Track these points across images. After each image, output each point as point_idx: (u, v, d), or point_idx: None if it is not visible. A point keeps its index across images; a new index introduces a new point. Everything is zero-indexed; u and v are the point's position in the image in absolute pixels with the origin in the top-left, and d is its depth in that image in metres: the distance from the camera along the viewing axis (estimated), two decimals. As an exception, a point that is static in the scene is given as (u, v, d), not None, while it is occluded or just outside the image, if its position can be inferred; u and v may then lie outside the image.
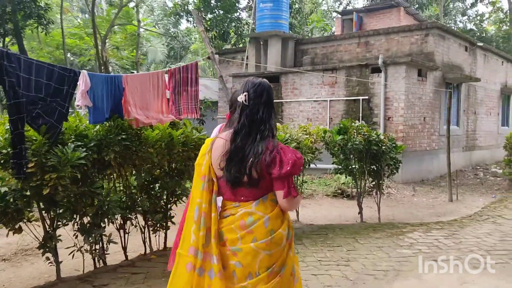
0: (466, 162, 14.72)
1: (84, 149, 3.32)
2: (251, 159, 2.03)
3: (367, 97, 12.02)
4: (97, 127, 3.65)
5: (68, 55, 27.95)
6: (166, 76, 4.67)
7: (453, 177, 10.38)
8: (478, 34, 30.33)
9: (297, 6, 24.77)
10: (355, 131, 6.96)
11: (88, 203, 3.46)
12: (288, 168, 2.01)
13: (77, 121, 3.64)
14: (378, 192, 7.34)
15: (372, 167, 7.27)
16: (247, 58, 15.72)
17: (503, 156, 11.11)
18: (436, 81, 12.77)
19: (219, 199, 2.21)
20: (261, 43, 15.62)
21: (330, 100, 12.73)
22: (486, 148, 16.23)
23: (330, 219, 7.32)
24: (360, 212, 7.07)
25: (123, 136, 3.59)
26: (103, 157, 3.50)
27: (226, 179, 2.09)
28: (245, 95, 2.11)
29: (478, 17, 32.99)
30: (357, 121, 7.29)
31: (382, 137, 7.11)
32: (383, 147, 7.00)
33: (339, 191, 9.36)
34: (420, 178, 12.18)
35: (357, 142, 6.73)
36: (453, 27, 28.07)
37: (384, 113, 11.65)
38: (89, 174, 3.54)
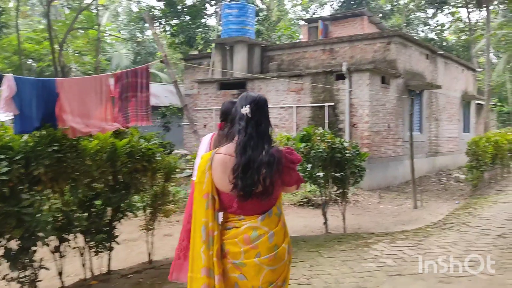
0: (430, 167, 14.88)
1: (7, 163, 2.90)
2: (264, 169, 2.07)
3: (332, 104, 11.92)
4: (25, 137, 3.23)
5: (30, 61, 26.82)
6: (112, 81, 4.28)
7: (418, 183, 10.39)
8: (439, 43, 31.20)
9: (264, 13, 24.69)
10: (318, 138, 6.75)
11: (14, 225, 3.03)
12: (296, 158, 2.20)
13: (1, 131, 3.20)
14: (343, 201, 7.14)
15: (336, 175, 7.08)
16: (213, 64, 15.41)
17: (465, 162, 11.23)
18: (399, 88, 12.84)
19: (220, 214, 2.23)
20: (227, 49, 15.36)
21: (297, 107, 12.57)
22: (448, 154, 16.50)
23: (295, 230, 7.04)
24: (325, 223, 6.85)
25: (55, 148, 3.18)
26: (31, 172, 3.08)
27: (240, 191, 2.08)
28: (249, 108, 2.16)
29: (439, 27, 33.95)
30: (320, 128, 7.08)
31: (346, 144, 6.93)
32: (347, 155, 6.82)
33: (305, 199, 9.13)
34: (386, 184, 12.16)
35: (321, 150, 6.51)
36: (415, 37, 28.75)
37: (350, 119, 11.58)
38: (16, 191, 3.11)
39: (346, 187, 7.10)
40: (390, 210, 9.25)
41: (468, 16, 29.46)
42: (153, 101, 17.00)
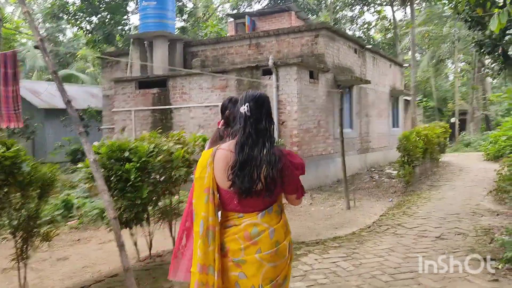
0: (362, 164, 14.63)
1: None
2: (265, 167, 2.07)
3: (260, 101, 11.11)
4: None
5: None
6: None
7: (350, 181, 9.89)
8: (366, 41, 31.86)
9: (189, 9, 23.56)
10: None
11: None
12: (300, 171, 2.20)
13: None
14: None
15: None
16: (131, 61, 14.07)
17: (396, 158, 10.95)
18: (328, 83, 12.37)
19: (219, 214, 2.20)
20: (146, 45, 14.09)
21: (222, 106, 11.61)
22: (379, 150, 16.42)
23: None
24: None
25: None
26: None
27: (238, 189, 2.08)
28: (248, 106, 2.17)
29: (366, 25, 34.76)
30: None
31: (270, 143, 6.09)
32: (272, 156, 5.99)
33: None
34: (318, 184, 11.59)
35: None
36: (343, 34, 29.03)
37: (278, 117, 10.85)
38: None
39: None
40: (322, 212, 8.60)
41: (393, 14, 30.37)
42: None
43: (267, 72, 10.98)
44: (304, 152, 10.99)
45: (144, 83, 12.80)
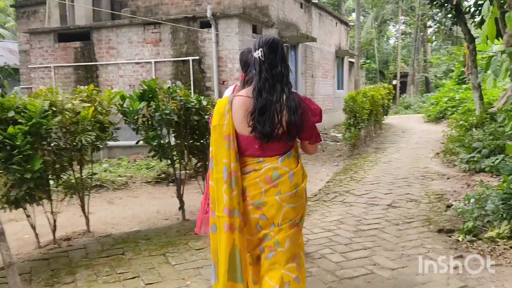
0: (307, 127, 14.11)
1: None
2: (286, 112, 2.09)
3: (197, 58, 10.08)
4: None
5: None
6: None
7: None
8: (312, 0, 30.98)
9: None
10: (166, 95, 4.91)
11: None
12: (317, 117, 2.22)
13: None
14: (206, 177, 5.47)
15: (196, 144, 5.39)
16: (48, 10, 12.30)
17: (341, 120, 10.47)
18: (274, 39, 11.47)
19: None
20: (68, -8, 12.33)
21: (155, 62, 10.45)
22: (324, 112, 15.83)
23: (141, 221, 5.23)
24: (182, 207, 5.15)
25: None
26: None
27: (259, 133, 2.10)
28: (261, 51, 2.14)
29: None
30: (168, 81, 5.22)
31: (204, 103, 5.20)
32: (207, 117, 5.13)
33: (164, 175, 7.30)
34: (262, 148, 10.91)
35: (169, 111, 4.70)
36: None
37: (218, 76, 9.89)
38: None
39: (208, 158, 5.43)
40: (266, 178, 7.96)
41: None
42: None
43: (206, 24, 9.89)
44: (247, 114, 10.19)
45: (64, 36, 11.21)
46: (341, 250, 3.80)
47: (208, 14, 9.48)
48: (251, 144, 2.17)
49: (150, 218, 5.35)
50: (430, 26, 19.52)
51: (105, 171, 7.71)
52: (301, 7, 13.53)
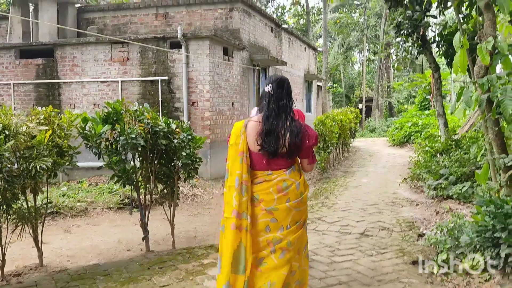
0: (276, 150, 14.06)
1: None
2: (289, 136, 2.63)
3: (167, 78, 9.86)
4: None
5: None
6: None
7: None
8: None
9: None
10: (132, 118, 4.66)
11: None
12: (314, 141, 2.75)
13: None
14: (172, 203, 5.22)
15: (163, 168, 5.14)
16: (11, 26, 11.83)
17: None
18: (244, 62, 11.45)
19: None
20: (32, 7, 11.94)
21: (122, 81, 10.15)
22: (293, 135, 16.01)
23: (100, 252, 4.89)
24: (146, 237, 4.85)
25: None
26: None
27: (266, 151, 2.64)
28: (271, 86, 2.71)
29: (280, 10, 34.44)
30: (135, 103, 4.98)
31: (173, 126, 4.98)
32: (176, 141, 4.90)
33: (127, 200, 6.96)
34: (231, 171, 10.70)
35: (134, 135, 4.44)
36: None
37: (188, 97, 9.70)
38: None
39: (176, 184, 5.19)
40: (235, 204, 7.75)
41: (306, 1, 30.31)
42: None
43: (176, 45, 9.74)
44: (217, 137, 10.01)
45: (26, 52, 10.75)
46: (316, 286, 3.63)
47: (179, 35, 9.33)
48: (260, 159, 2.70)
49: (110, 249, 5.01)
50: (397, 55, 20.10)
51: (63, 195, 7.28)
52: (272, 32, 13.63)
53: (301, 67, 17.07)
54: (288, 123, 2.64)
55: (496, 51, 3.90)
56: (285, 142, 2.62)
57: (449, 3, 8.33)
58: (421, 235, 4.97)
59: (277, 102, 2.68)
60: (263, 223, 2.63)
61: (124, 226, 6.02)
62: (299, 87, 16.62)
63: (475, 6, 7.64)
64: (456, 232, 4.10)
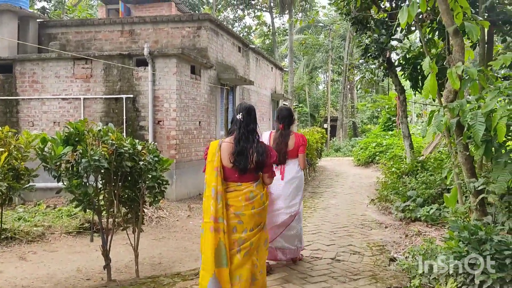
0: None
1: None
2: (255, 155, 3.29)
3: (132, 96, 9.59)
4: None
5: None
6: None
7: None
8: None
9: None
10: (96, 138, 4.41)
11: None
12: (274, 159, 3.44)
13: None
14: (136, 228, 4.94)
15: (127, 192, 4.88)
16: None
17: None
18: (211, 81, 11.34)
19: None
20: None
21: (85, 98, 9.80)
22: (260, 154, 15.93)
23: (58, 281, 4.54)
24: (108, 265, 4.54)
25: None
26: None
27: (237, 168, 3.29)
28: (241, 114, 3.40)
29: (246, 29, 34.77)
30: (99, 123, 4.73)
31: (139, 147, 4.75)
32: (142, 163, 4.67)
33: (88, 224, 6.58)
34: (198, 191, 10.47)
35: (97, 157, 4.19)
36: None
37: (153, 115, 9.45)
38: None
39: (141, 208, 4.93)
40: (203, 227, 7.50)
41: (272, 21, 30.78)
42: None
43: (142, 62, 9.53)
44: (183, 157, 9.77)
45: (-19, 67, 10.21)
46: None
47: (145, 52, 9.13)
48: (232, 173, 3.32)
49: (68, 278, 4.67)
50: (363, 76, 20.59)
51: (19, 219, 6.81)
52: (239, 51, 13.63)
53: (268, 87, 17.15)
54: (254, 145, 3.31)
55: (466, 76, 3.96)
56: (253, 160, 3.28)
57: (413, 28, 8.60)
58: (392, 260, 4.92)
59: (246, 127, 3.34)
60: (232, 224, 3.26)
61: (84, 252, 5.66)
62: (266, 106, 16.65)
63: (436, 32, 7.93)
64: (428, 257, 4.07)
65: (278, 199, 4.42)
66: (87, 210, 4.82)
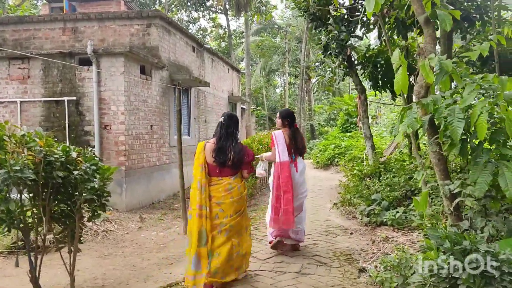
0: (200, 175, 13.26)
1: None
2: (233, 153, 4.07)
3: (75, 98, 8.78)
4: None
5: None
6: None
7: (188, 196, 8.34)
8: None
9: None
10: (19, 144, 3.73)
11: None
12: (251, 158, 4.21)
13: None
14: (73, 249, 4.26)
15: (60, 206, 4.20)
16: None
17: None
18: (164, 82, 10.67)
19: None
20: None
21: (22, 102, 8.87)
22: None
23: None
24: (37, 294, 3.85)
25: None
26: None
27: (217, 163, 4.07)
28: (223, 118, 4.22)
29: (201, 32, 34.06)
30: (24, 127, 4.02)
31: (74, 154, 4.09)
32: (77, 173, 4.02)
33: (21, 242, 5.76)
34: (151, 200, 9.75)
35: (19, 168, 3.51)
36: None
37: (99, 119, 8.67)
38: None
39: (78, 225, 4.26)
40: (154, 239, 6.85)
41: (227, 23, 30.28)
42: None
43: (86, 62, 8.74)
44: (134, 164, 9.05)
45: None
46: None
47: (89, 50, 8.37)
48: (214, 169, 4.12)
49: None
50: (323, 76, 20.47)
51: None
52: (194, 51, 13.03)
53: (225, 89, 16.62)
54: (233, 144, 4.10)
55: (437, 68, 3.62)
56: (231, 157, 4.06)
57: (371, 26, 8.37)
58: (362, 270, 4.53)
59: (227, 129, 4.16)
60: (214, 212, 4.04)
61: (15, 276, 4.89)
62: (223, 109, 16.10)
63: (395, 30, 7.71)
64: (403, 268, 3.69)
65: (296, 187, 5.11)
66: (12, 230, 4.11)
